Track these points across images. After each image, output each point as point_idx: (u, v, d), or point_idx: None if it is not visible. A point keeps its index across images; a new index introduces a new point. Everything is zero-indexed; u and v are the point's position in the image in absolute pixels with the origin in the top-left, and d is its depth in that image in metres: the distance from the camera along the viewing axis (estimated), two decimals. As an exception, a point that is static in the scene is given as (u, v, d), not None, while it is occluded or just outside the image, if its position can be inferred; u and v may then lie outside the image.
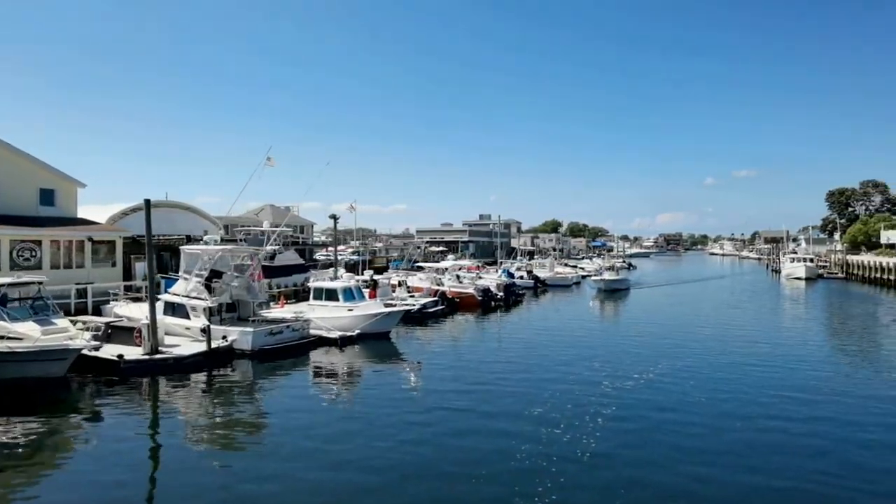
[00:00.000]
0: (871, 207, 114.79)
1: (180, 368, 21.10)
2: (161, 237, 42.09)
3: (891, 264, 59.66)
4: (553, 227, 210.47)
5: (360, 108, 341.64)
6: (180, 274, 26.61)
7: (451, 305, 39.57)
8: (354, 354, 25.14)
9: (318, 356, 24.58)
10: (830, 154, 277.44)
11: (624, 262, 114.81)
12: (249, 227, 45.14)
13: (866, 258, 69.50)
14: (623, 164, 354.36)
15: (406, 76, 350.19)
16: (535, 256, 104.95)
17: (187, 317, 24.81)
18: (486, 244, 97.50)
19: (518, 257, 75.07)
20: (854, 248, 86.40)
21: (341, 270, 45.08)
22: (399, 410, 16.87)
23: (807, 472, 12.35)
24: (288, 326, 24.96)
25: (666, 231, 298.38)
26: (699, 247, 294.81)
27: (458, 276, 46.69)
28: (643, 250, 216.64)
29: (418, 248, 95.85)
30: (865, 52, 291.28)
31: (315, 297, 29.49)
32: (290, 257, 42.81)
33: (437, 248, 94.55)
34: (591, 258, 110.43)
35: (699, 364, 22.89)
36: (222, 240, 38.73)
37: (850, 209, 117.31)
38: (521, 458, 12.95)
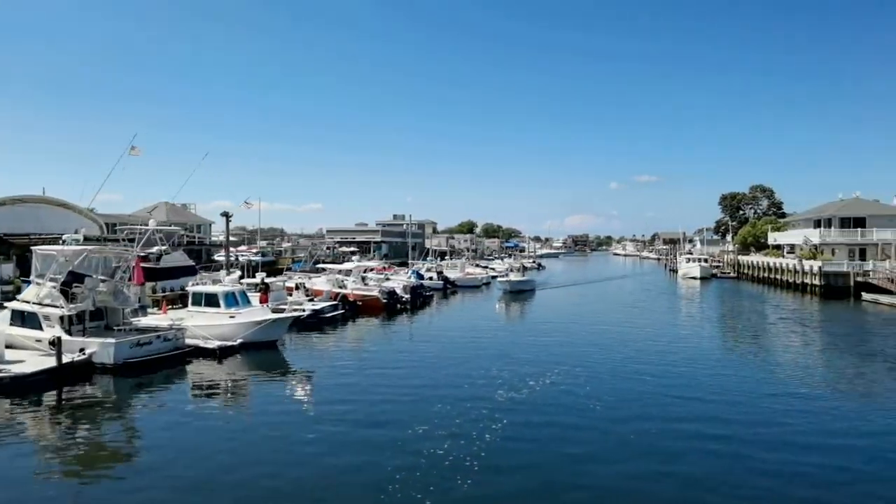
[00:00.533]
0: (758, 210, 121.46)
1: (21, 388, 18.10)
2: (27, 237, 37.70)
3: (777, 264, 62.59)
4: (468, 227, 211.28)
5: (280, 101, 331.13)
6: (32, 278, 23.24)
7: (352, 309, 37.57)
8: (235, 366, 22.75)
9: (193, 369, 22.05)
10: (723, 160, 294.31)
11: (534, 262, 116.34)
12: (132, 225, 41.18)
13: (755, 258, 72.97)
14: (535, 167, 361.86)
15: (330, 73, 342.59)
16: (451, 257, 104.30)
17: (39, 327, 21.61)
18: (400, 245, 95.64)
19: (428, 258, 73.73)
20: (744, 248, 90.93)
21: (236, 273, 42.12)
22: (278, 428, 15.12)
23: (701, 476, 11.97)
24: (158, 336, 22.23)
25: (574, 232, 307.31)
26: (604, 247, 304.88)
27: (363, 278, 44.67)
28: (553, 251, 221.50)
29: (327, 248, 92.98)
30: (754, 62, 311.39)
31: (194, 303, 26.59)
32: (178, 258, 39.30)
33: (348, 249, 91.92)
34: (502, 258, 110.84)
35: (596, 368, 22.19)
36: (97, 239, 35.00)
37: (741, 212, 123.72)
38: (398, 480, 11.57)
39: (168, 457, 13.32)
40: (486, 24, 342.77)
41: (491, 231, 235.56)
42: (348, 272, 43.74)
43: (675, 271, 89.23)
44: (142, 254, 37.77)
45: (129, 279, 25.59)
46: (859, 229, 57.52)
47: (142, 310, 28.30)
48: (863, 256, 55.72)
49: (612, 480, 12.05)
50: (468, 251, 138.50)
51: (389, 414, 16.36)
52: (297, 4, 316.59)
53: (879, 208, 61.27)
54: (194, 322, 25.14)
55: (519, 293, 53.13)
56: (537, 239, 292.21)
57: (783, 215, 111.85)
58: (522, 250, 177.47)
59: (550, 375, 20.61)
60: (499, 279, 59.23)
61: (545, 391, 18.65)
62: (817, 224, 61.87)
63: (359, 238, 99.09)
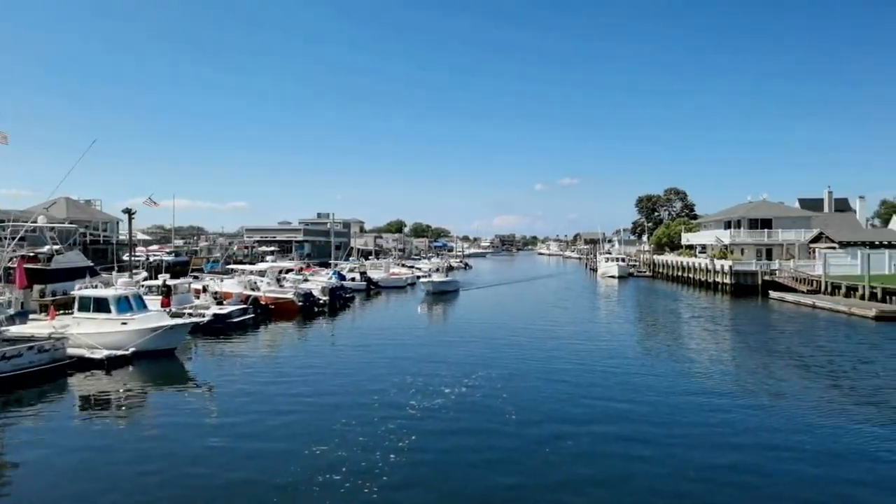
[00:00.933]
0: (672, 212, 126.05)
1: None
2: None
3: (690, 263, 64.62)
4: (397, 227, 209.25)
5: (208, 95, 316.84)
6: None
7: (265, 313, 35.41)
8: (125, 378, 20.49)
9: (75, 383, 19.65)
10: (640, 164, 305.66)
11: (461, 261, 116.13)
12: (17, 222, 37.37)
13: (670, 258, 75.32)
14: (465, 167, 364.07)
15: (263, 72, 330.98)
16: (378, 256, 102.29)
17: None
18: (324, 244, 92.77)
19: (352, 258, 71.62)
20: (659, 248, 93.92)
21: (140, 274, 39.04)
22: (163, 445, 13.57)
23: (617, 480, 11.13)
24: (31, 347, 19.63)
25: (502, 232, 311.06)
26: (530, 247, 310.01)
27: (278, 280, 42.40)
28: (481, 250, 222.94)
29: (245, 247, 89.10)
30: (667, 63, 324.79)
31: (81, 308, 23.78)
32: (74, 259, 35.94)
33: (267, 249, 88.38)
34: (430, 258, 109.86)
35: (514, 371, 21.36)
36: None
37: (656, 214, 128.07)
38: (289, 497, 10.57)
39: (33, 482, 11.54)
40: (414, 18, 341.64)
41: (420, 230, 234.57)
42: (262, 273, 41.42)
43: (595, 270, 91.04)
44: (29, 254, 34.44)
45: (9, 282, 22.76)
46: (766, 230, 60.11)
47: (21, 316, 25.23)
48: (769, 256, 58.19)
49: (526, 492, 11.13)
50: (395, 251, 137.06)
51: (290, 427, 14.96)
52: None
53: (784, 210, 64.32)
54: (81, 329, 22.55)
55: (442, 294, 51.54)
56: (466, 238, 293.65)
57: (695, 217, 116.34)
58: (451, 250, 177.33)
59: (467, 381, 19.59)
60: (421, 280, 57.18)
61: (460, 398, 17.59)
62: (727, 225, 64.27)
63: (280, 237, 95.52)
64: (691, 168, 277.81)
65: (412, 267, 77.48)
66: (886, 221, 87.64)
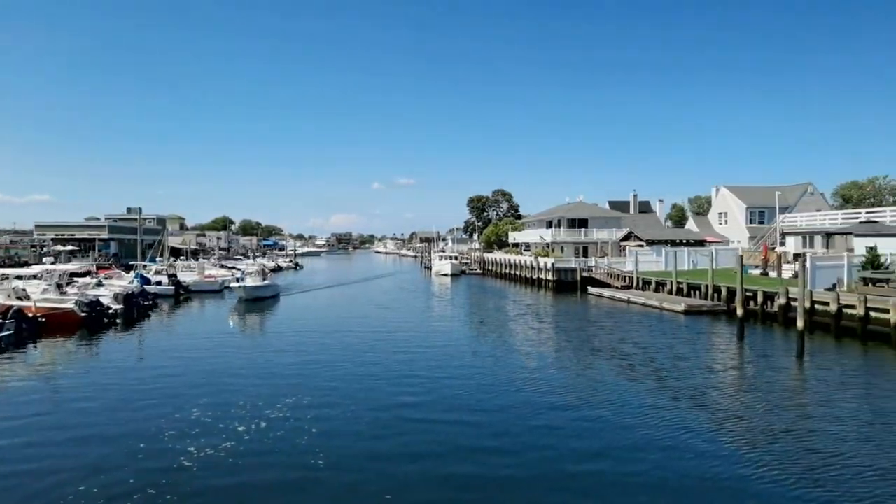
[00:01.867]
0: (500, 212, 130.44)
1: None
2: None
3: (516, 261, 65.75)
4: (223, 224, 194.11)
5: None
6: None
7: (32, 327, 28.41)
8: None
9: None
10: (471, 165, 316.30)
11: (291, 261, 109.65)
12: None
13: (498, 256, 76.48)
14: (301, 163, 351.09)
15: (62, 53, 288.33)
16: (200, 256, 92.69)
17: None
18: (133, 242, 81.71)
19: (159, 258, 63.02)
20: (489, 247, 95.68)
21: None
22: None
23: None
24: None
25: (339, 231, 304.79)
26: (367, 246, 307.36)
27: (59, 286, 34.86)
28: (316, 249, 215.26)
29: (34, 247, 75.81)
30: (494, 70, 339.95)
31: None
32: None
33: (64, 248, 75.84)
34: (254, 258, 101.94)
35: (329, 397, 17.91)
36: None
37: (486, 213, 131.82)
38: None
39: None
40: (239, 16, 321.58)
41: (249, 228, 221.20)
42: (35, 277, 33.72)
43: (429, 269, 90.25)
44: None
45: None
46: (583, 229, 62.81)
47: None
48: (585, 254, 60.71)
49: None
50: (218, 249, 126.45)
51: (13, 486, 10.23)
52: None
53: (598, 211, 67.86)
54: None
55: (257, 301, 44.88)
56: (301, 237, 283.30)
57: (520, 217, 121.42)
58: (282, 249, 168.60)
59: (270, 411, 15.85)
60: (232, 285, 48.78)
61: (256, 438, 13.85)
62: (549, 224, 66.35)
63: (80, 234, 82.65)
64: (516, 170, 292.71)
65: (233, 268, 70.03)
66: (677, 221, 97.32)
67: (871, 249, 32.73)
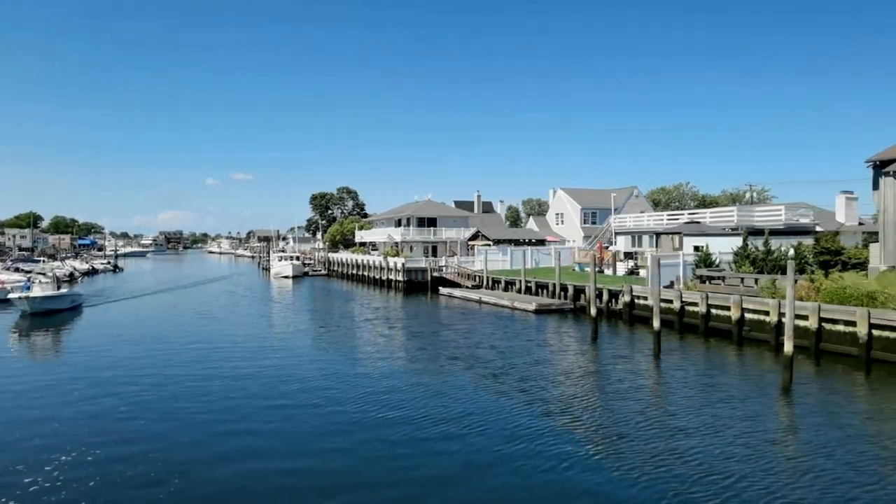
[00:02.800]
0: (345, 210, 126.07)
1: None
2: None
3: (365, 261, 62.23)
4: (29, 220, 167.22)
5: None
6: None
7: None
8: None
9: None
10: (316, 162, 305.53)
11: (109, 262, 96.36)
12: None
13: (344, 255, 72.33)
14: (126, 157, 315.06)
15: None
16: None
17: None
18: None
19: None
20: (334, 246, 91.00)
21: None
22: None
23: None
24: None
25: (168, 229, 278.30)
26: (200, 245, 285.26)
27: None
28: (141, 249, 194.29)
29: None
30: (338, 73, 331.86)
31: None
32: None
33: None
34: (63, 259, 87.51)
35: (118, 447, 13.42)
36: None
37: (330, 211, 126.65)
38: None
39: None
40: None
41: (62, 226, 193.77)
42: None
43: (268, 270, 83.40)
44: None
45: None
46: (432, 228, 61.10)
47: None
48: (435, 253, 59.07)
49: None
50: (17, 250, 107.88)
51: None
52: None
53: (447, 210, 66.68)
54: None
55: (48, 315, 35.49)
56: (125, 235, 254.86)
57: (366, 215, 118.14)
58: (101, 249, 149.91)
59: (50, 468, 11.11)
60: (11, 296, 37.47)
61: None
62: (398, 223, 63.85)
63: None
64: (361, 168, 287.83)
65: (29, 272, 58.06)
66: (513, 222, 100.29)
67: (703, 248, 34.18)
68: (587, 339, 26.91)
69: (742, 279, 28.49)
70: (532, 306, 34.56)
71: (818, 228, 44.66)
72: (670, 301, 29.12)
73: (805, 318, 22.95)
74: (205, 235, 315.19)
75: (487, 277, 45.54)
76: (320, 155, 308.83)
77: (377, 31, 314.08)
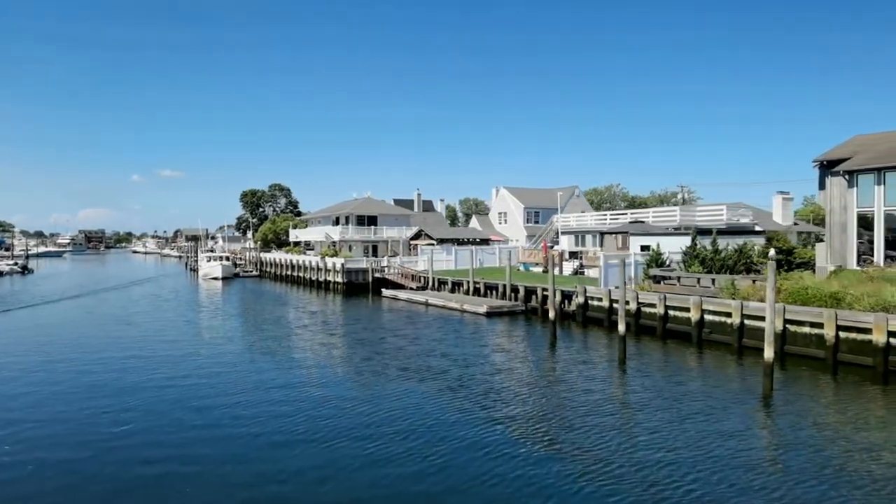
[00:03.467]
0: (277, 208, 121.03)
1: None
2: None
3: (300, 262, 58.78)
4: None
5: None
6: None
7: None
8: None
9: None
10: (247, 159, 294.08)
11: (17, 263, 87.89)
12: None
13: (278, 256, 68.31)
14: (42, 152, 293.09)
15: None
16: None
17: None
18: None
19: None
20: (266, 245, 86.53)
21: None
22: None
23: None
24: None
25: (89, 227, 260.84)
26: (124, 244, 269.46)
27: None
28: (56, 249, 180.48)
29: None
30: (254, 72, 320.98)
31: None
32: None
33: None
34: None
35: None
36: None
37: (261, 209, 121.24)
38: None
39: None
40: None
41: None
42: None
43: (196, 271, 78.03)
44: None
45: None
46: (373, 227, 58.40)
47: None
48: (375, 253, 56.45)
49: None
50: None
51: None
52: None
53: (387, 208, 64.10)
54: None
55: None
56: (39, 235, 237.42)
57: (299, 213, 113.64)
58: (9, 248, 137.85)
59: None
60: None
61: None
62: (336, 221, 60.75)
63: None
64: (294, 166, 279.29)
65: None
66: (451, 222, 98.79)
67: (654, 248, 33.34)
68: (544, 343, 25.32)
69: (698, 279, 27.66)
70: (483, 309, 32.72)
71: (757, 228, 45.24)
72: (627, 302, 27.93)
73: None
74: (129, 234, 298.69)
75: (433, 278, 43.43)
76: (252, 152, 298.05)
77: (310, 25, 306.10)
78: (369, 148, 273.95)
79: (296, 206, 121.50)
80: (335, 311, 38.67)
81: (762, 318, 22.38)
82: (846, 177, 28.44)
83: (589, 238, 50.08)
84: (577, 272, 44.99)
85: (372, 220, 59.18)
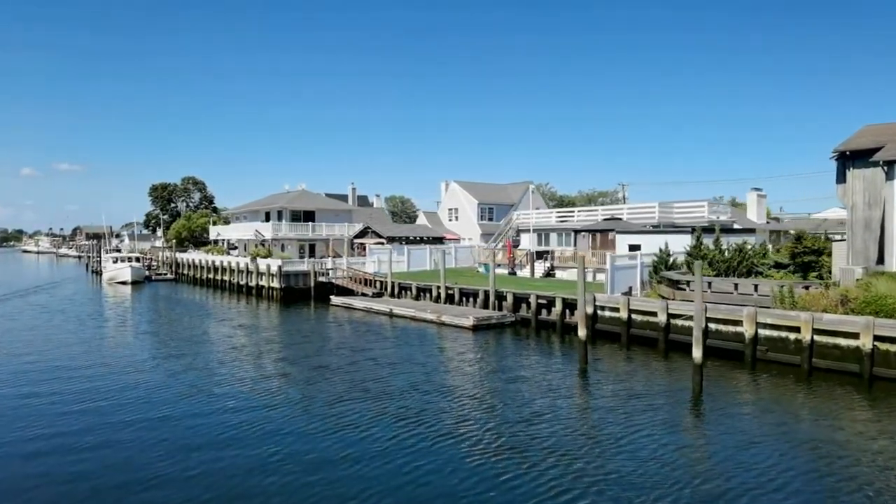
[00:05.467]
0: (191, 203, 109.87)
1: None
2: None
3: (227, 264, 50.16)
4: None
5: None
6: None
7: None
8: None
9: None
10: (156, 151, 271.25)
11: None
12: None
13: (197, 256, 58.91)
14: None
15: None
16: None
17: None
18: None
19: None
20: (179, 244, 76.13)
21: None
22: None
23: None
24: None
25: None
26: (13, 243, 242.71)
27: None
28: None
29: None
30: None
31: None
32: None
33: None
34: None
35: None
36: None
37: (173, 205, 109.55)
38: None
39: None
40: None
41: None
42: None
43: (99, 274, 66.72)
44: None
45: None
46: (310, 223, 50.86)
47: None
48: (312, 253, 49.14)
49: None
50: None
51: None
52: None
53: (327, 202, 56.56)
54: None
55: None
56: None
57: (216, 209, 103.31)
58: None
59: None
60: None
61: None
62: (267, 217, 52.68)
63: None
64: (206, 158, 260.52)
65: None
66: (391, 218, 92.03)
67: (663, 248, 28.64)
68: (569, 369, 19.79)
69: (735, 285, 22.98)
70: (468, 321, 26.64)
71: (736, 226, 42.09)
72: (653, 314, 22.91)
73: (852, 336, 17.75)
74: (20, 232, 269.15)
75: (392, 283, 36.90)
76: (161, 145, 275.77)
77: (225, 12, 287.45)
78: (289, 142, 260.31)
79: (211, 202, 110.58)
80: (275, 325, 31.49)
81: (843, 335, 18.00)
82: (885, 168, 24.73)
83: (553, 236, 45.34)
84: (548, 274, 40.12)
85: (309, 216, 51.62)
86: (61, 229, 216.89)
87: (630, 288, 27.25)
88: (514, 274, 41.38)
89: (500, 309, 29.18)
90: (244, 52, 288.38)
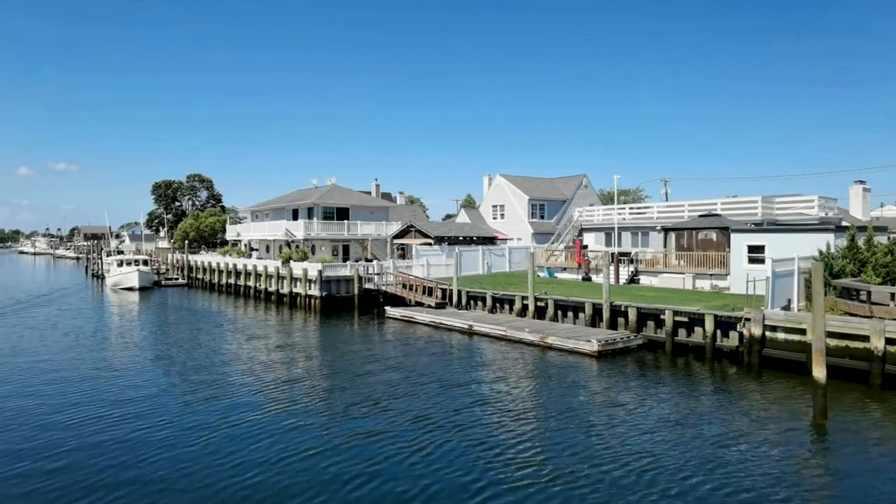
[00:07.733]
0: (197, 202, 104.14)
1: None
2: None
3: (252, 268, 44.05)
4: None
5: None
6: None
7: None
8: None
9: None
10: (157, 148, 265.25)
11: None
12: None
13: (215, 259, 52.54)
14: None
15: None
16: None
17: None
18: None
19: None
20: (189, 245, 70.01)
21: None
22: None
23: None
24: None
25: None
26: (9, 244, 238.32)
27: None
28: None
29: None
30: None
31: None
32: None
33: None
34: None
35: None
36: None
37: (178, 203, 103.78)
38: None
39: None
40: None
41: None
42: None
43: (101, 278, 60.61)
44: None
45: None
46: (345, 222, 44.98)
47: None
48: (346, 254, 43.39)
49: None
50: None
51: None
52: None
53: (361, 198, 50.65)
54: None
55: None
56: None
57: (223, 208, 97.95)
58: None
59: None
60: None
61: None
62: (295, 215, 46.81)
63: None
64: (212, 155, 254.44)
65: None
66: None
67: (819, 250, 22.87)
68: (791, 422, 13.98)
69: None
70: (592, 345, 20.72)
71: (844, 224, 36.39)
72: (861, 337, 17.14)
73: None
74: (17, 233, 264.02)
75: (458, 291, 30.99)
76: (162, 144, 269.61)
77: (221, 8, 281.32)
78: (288, 142, 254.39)
79: (219, 200, 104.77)
80: (322, 342, 25.68)
81: None
82: None
83: (627, 236, 39.58)
84: (632, 279, 34.48)
85: (343, 214, 45.73)
86: (58, 229, 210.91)
87: (788, 301, 21.48)
88: (589, 280, 35.67)
89: (615, 327, 23.37)
90: (245, 50, 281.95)
